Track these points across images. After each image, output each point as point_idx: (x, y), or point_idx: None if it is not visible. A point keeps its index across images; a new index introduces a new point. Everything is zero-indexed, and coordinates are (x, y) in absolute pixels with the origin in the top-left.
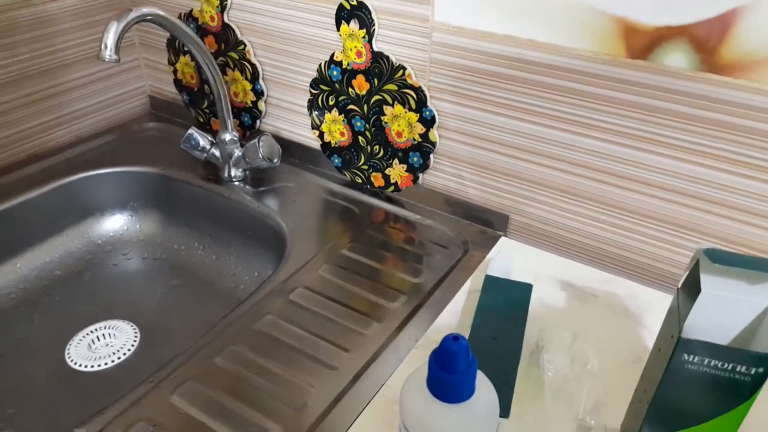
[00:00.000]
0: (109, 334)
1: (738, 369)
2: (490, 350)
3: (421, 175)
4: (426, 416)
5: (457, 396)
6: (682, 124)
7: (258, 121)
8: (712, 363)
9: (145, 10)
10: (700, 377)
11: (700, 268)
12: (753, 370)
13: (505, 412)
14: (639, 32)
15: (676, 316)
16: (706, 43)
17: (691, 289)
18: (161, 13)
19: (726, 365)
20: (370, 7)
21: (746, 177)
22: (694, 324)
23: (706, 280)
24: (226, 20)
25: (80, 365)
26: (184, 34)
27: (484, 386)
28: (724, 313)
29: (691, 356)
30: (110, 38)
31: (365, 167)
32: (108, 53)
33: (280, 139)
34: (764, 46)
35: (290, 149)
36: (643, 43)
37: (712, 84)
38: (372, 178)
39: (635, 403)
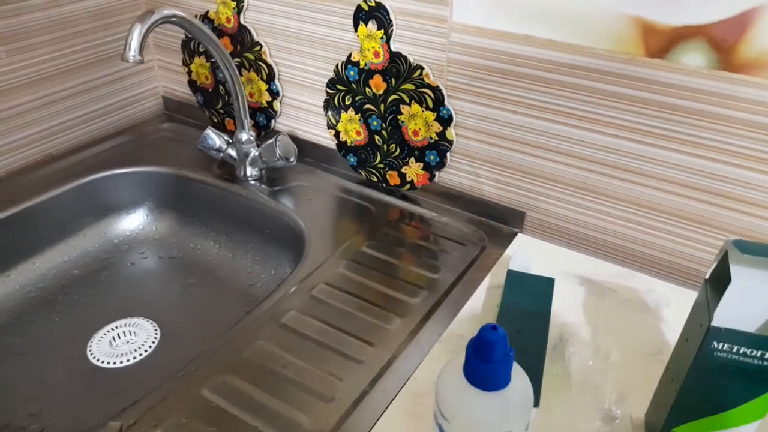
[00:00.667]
0: (130, 332)
1: (767, 356)
2: (516, 343)
3: (437, 173)
4: (463, 403)
5: (495, 384)
6: (699, 121)
7: (273, 121)
8: (741, 350)
9: (167, 12)
10: (728, 365)
11: (730, 258)
12: None
13: (535, 401)
14: (657, 32)
15: (705, 307)
16: (724, 42)
17: (719, 280)
18: (183, 14)
19: (755, 352)
20: (389, 8)
21: (764, 173)
22: (725, 313)
23: (736, 271)
24: (242, 21)
25: (103, 362)
26: (204, 35)
27: (519, 376)
28: (754, 302)
29: (721, 344)
30: (134, 40)
31: (381, 166)
32: (132, 54)
33: (295, 139)
34: None
35: (305, 148)
36: (661, 43)
37: (729, 82)
38: (388, 177)
39: (661, 393)
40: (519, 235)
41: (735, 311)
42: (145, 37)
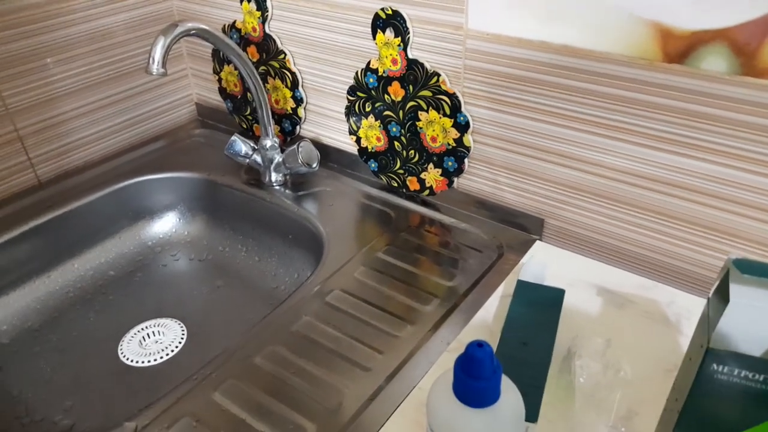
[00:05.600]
0: (159, 332)
1: None
2: (520, 355)
3: (455, 179)
4: (452, 420)
5: (483, 401)
6: (720, 128)
7: (298, 127)
8: (743, 374)
9: (189, 24)
10: (730, 388)
11: (730, 278)
12: None
13: (533, 417)
14: (675, 36)
15: (706, 326)
16: (746, 46)
17: (721, 298)
18: (205, 27)
19: (757, 376)
20: (405, 16)
21: None
22: (724, 334)
23: (736, 290)
24: (267, 31)
25: (132, 361)
26: (226, 46)
27: (509, 391)
28: (754, 323)
29: (721, 366)
30: (157, 52)
31: (401, 171)
32: (155, 67)
33: (318, 145)
34: None
35: (328, 154)
36: (680, 48)
37: (752, 87)
38: (408, 182)
39: (667, 411)
40: (537, 242)
41: (736, 332)
42: (169, 49)
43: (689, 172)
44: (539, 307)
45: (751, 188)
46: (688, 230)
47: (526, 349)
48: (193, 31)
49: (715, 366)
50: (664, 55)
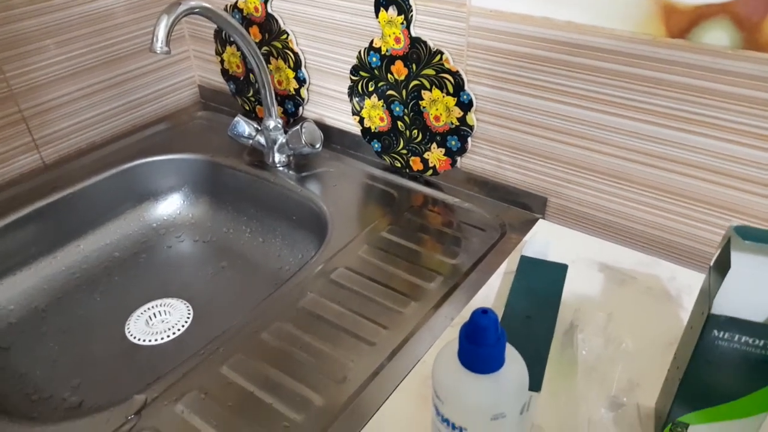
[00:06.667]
0: (165, 311)
1: None
2: (523, 329)
3: (458, 158)
4: (457, 386)
5: (487, 367)
6: (722, 103)
7: (301, 108)
8: (743, 339)
9: (193, 3)
10: (731, 354)
11: (731, 245)
12: None
13: (536, 386)
14: (678, 11)
15: (707, 294)
16: (749, 19)
17: (722, 266)
18: (208, 5)
19: (758, 342)
20: None
21: None
22: (725, 300)
23: (737, 257)
24: (269, 10)
25: (139, 339)
26: (230, 25)
27: (514, 360)
28: (755, 289)
29: (722, 333)
30: (161, 31)
31: (404, 151)
32: (159, 45)
33: (322, 125)
34: None
35: (332, 135)
36: (683, 22)
37: (754, 62)
38: (411, 162)
39: (668, 380)
40: (540, 220)
41: (736, 299)
42: (172, 28)
43: (691, 147)
44: (542, 282)
45: (752, 163)
46: (690, 206)
47: (530, 322)
48: (197, 9)
49: (716, 332)
50: (668, 30)
